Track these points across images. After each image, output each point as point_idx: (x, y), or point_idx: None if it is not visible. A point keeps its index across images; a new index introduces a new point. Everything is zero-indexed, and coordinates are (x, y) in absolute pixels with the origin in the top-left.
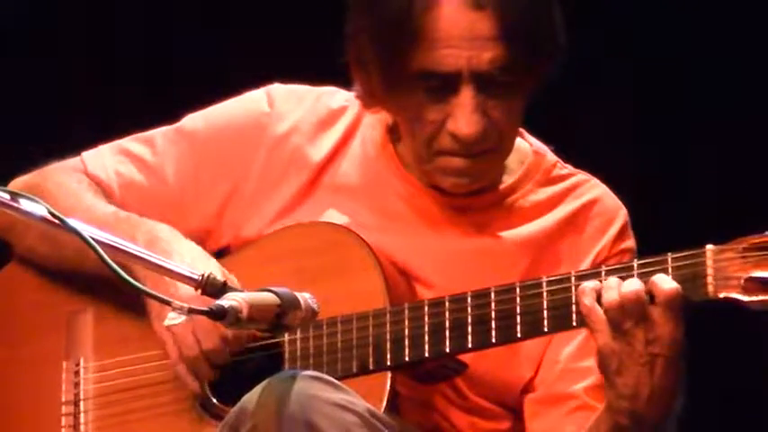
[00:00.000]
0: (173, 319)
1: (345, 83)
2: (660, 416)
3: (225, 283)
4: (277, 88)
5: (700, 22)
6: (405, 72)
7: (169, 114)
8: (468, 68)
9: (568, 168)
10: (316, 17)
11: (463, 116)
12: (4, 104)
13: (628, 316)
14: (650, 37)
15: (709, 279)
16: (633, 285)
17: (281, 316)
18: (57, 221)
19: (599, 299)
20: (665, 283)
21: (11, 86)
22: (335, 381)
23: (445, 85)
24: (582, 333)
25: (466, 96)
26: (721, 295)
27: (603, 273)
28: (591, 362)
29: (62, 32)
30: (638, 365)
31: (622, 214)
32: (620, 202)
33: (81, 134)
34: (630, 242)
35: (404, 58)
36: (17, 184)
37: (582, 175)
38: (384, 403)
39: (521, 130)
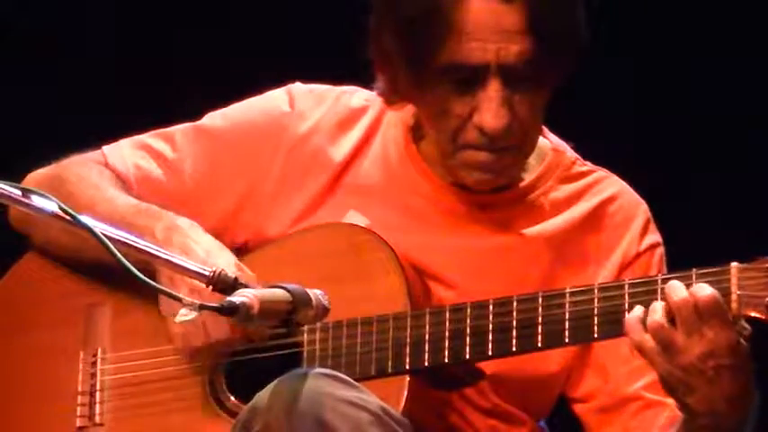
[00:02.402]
0: (184, 315)
1: (364, 82)
2: (740, 420)
3: (236, 280)
4: (297, 87)
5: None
6: (432, 65)
7: (184, 112)
8: (497, 61)
9: (588, 165)
10: (331, 16)
11: (490, 109)
12: (13, 102)
13: (679, 328)
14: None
15: (734, 297)
16: (681, 293)
17: (292, 313)
18: (68, 217)
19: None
20: (703, 290)
21: (16, 86)
22: (348, 378)
23: (472, 77)
24: None
25: (493, 89)
26: (745, 313)
27: (627, 285)
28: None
29: (63, 32)
30: (705, 382)
31: (643, 210)
32: (640, 198)
33: (91, 132)
34: (656, 236)
35: (432, 50)
36: (36, 176)
37: (602, 172)
38: (402, 406)
39: (541, 126)
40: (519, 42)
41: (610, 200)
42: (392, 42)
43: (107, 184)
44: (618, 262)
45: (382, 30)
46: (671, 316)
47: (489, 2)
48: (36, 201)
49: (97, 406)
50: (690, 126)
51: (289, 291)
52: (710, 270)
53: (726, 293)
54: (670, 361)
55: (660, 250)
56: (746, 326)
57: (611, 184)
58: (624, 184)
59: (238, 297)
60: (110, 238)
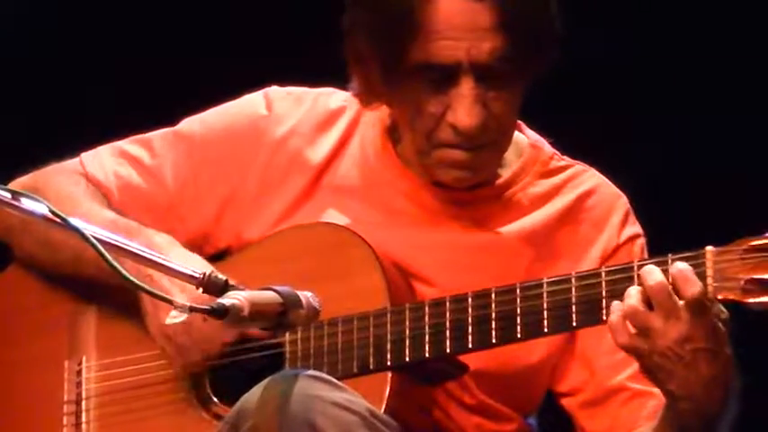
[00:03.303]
0: (174, 317)
1: (342, 83)
2: (721, 403)
3: (227, 282)
4: (275, 91)
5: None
6: (404, 65)
7: (166, 117)
8: (468, 59)
9: (566, 160)
10: (308, 18)
11: (463, 108)
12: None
13: (656, 312)
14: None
15: (709, 280)
16: (656, 276)
17: (283, 315)
18: (58, 220)
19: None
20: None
21: (11, 86)
22: (336, 380)
23: (445, 76)
24: None
25: (465, 87)
26: (720, 296)
27: (603, 273)
28: None
29: (62, 32)
30: (682, 367)
31: (622, 202)
32: (619, 191)
33: (79, 135)
34: (636, 228)
35: (403, 50)
36: (15, 185)
37: (579, 166)
38: (384, 404)
39: (518, 122)
40: (490, 40)
41: (588, 193)
42: (365, 43)
43: (83, 198)
44: (598, 255)
45: (355, 30)
46: (648, 300)
47: (460, 0)
48: (26, 203)
49: (83, 414)
50: (673, 119)
51: (279, 292)
52: (686, 255)
53: (701, 277)
54: (649, 346)
55: (641, 241)
56: (723, 309)
57: (588, 178)
58: (603, 177)
59: (229, 299)
60: (100, 241)
